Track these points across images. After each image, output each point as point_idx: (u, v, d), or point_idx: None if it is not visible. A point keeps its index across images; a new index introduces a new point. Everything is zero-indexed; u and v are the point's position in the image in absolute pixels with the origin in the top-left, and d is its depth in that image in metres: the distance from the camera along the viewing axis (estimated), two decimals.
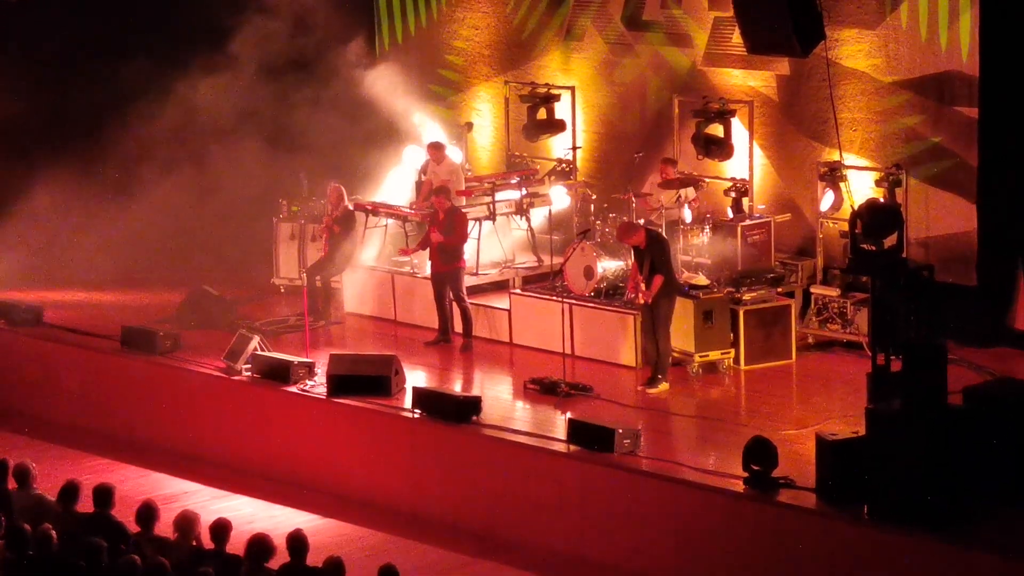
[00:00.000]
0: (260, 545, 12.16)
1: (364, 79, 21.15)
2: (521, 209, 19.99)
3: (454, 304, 18.71)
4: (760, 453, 14.38)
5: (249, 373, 17.73)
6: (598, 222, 19.04)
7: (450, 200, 18.75)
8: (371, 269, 20.05)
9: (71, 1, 21.53)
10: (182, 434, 17.96)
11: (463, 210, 19.12)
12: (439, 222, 18.57)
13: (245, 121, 20.83)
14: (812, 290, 18.12)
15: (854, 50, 18.41)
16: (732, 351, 17.57)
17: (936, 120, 17.97)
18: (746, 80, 19.37)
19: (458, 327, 18.79)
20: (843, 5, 18.36)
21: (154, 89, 20.91)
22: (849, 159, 18.11)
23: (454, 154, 20.56)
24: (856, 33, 18.38)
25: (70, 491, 13.19)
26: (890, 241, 15.18)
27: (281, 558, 12.23)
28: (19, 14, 21.26)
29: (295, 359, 17.55)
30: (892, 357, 14.66)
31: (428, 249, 18.71)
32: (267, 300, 20.19)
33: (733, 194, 18.72)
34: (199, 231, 21.03)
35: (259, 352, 17.75)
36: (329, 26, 21.01)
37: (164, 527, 12.78)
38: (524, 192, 20.02)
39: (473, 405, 16.32)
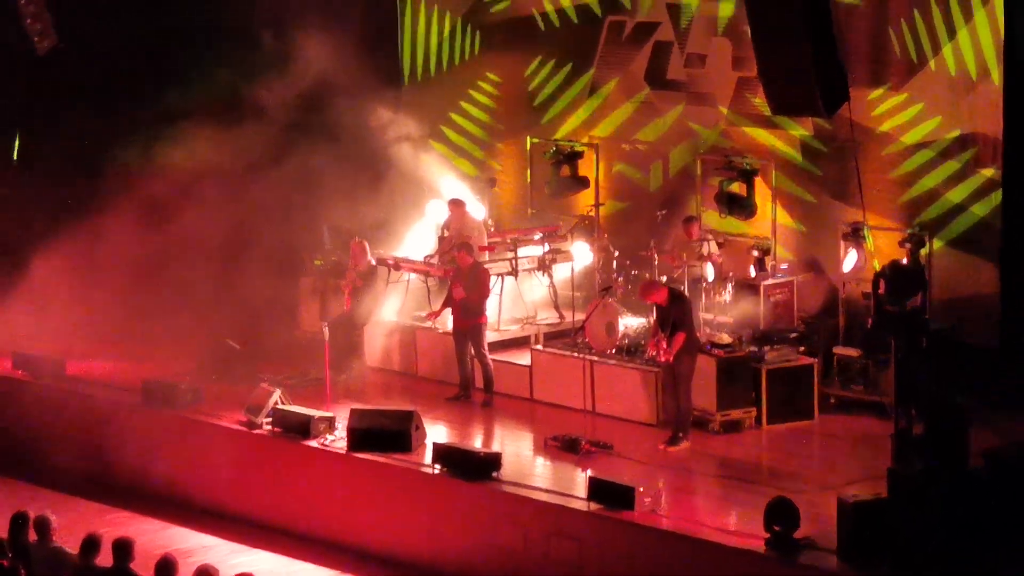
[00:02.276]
0: None
1: (387, 133, 21.25)
2: (543, 265, 20.03)
3: (475, 360, 18.71)
4: (782, 514, 14.32)
5: (270, 427, 17.73)
6: (620, 279, 19.05)
7: (472, 256, 18.78)
8: (393, 323, 20.08)
9: (95, 54, 21.62)
10: (202, 488, 17.95)
11: (485, 266, 19.14)
12: (461, 277, 18.60)
13: (267, 174, 20.90)
14: (835, 350, 18.08)
15: (878, 111, 18.44)
16: (754, 410, 17.52)
17: (959, 182, 17.96)
18: (769, 139, 19.42)
19: (479, 383, 18.78)
20: (868, 66, 18.41)
21: (175, 142, 21.01)
22: (872, 219, 18.11)
23: (476, 210, 20.61)
24: (881, 94, 18.42)
25: (90, 544, 13.16)
26: (913, 302, 15.15)
27: None
28: (46, 67, 21.40)
29: (316, 413, 17.56)
30: (914, 418, 14.60)
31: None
32: (289, 353, 20.20)
33: (756, 253, 18.72)
34: (221, 284, 21.06)
35: (280, 406, 17.76)
36: (352, 80, 21.10)
37: None
38: (547, 248, 20.06)
39: (493, 461, 16.29)
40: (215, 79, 21.27)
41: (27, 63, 21.38)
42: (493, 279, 19.25)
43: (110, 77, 21.65)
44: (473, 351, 18.66)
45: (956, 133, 17.95)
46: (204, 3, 21.05)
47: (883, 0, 18.28)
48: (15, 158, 22.39)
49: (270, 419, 17.73)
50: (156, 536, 17.13)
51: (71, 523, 15.65)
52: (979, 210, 17.83)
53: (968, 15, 17.67)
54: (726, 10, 19.62)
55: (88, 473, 18.76)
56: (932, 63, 18.01)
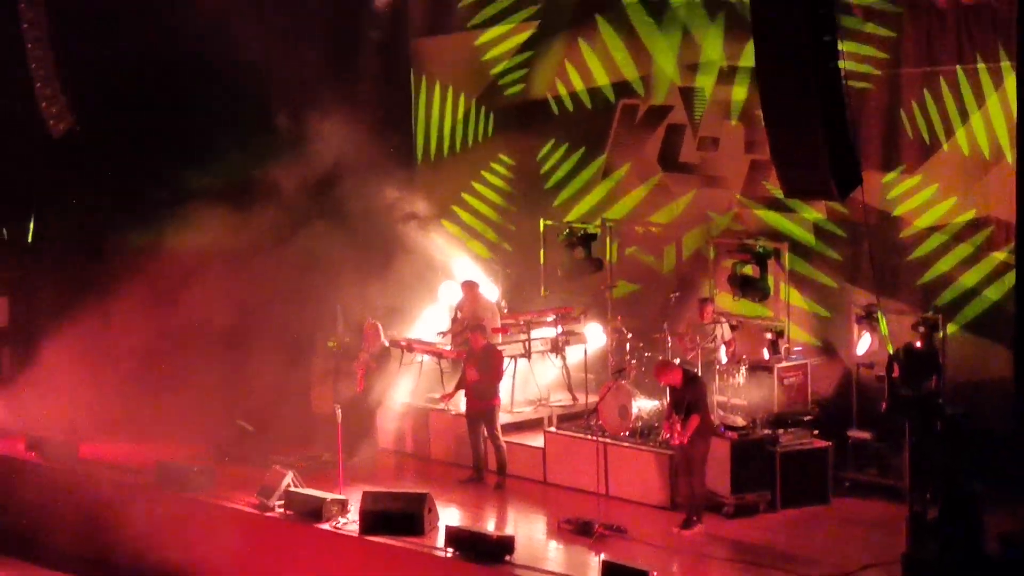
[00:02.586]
0: None
1: (400, 214, 21.33)
2: (557, 347, 20.03)
3: (488, 442, 18.68)
4: None
5: (282, 509, 17.69)
6: (633, 361, 19.03)
7: (485, 337, 18.79)
8: (406, 405, 20.06)
9: (108, 136, 21.70)
10: (214, 571, 17.86)
11: (498, 348, 19.15)
12: (474, 359, 18.59)
13: (280, 256, 20.96)
14: (849, 433, 18.02)
15: (893, 194, 18.48)
16: (768, 494, 17.45)
17: (973, 265, 17.97)
18: (782, 222, 19.46)
19: (492, 465, 18.74)
20: (881, 149, 18.48)
21: (188, 224, 21.09)
22: (886, 303, 18.11)
23: (490, 291, 20.64)
24: (895, 177, 18.47)
25: None
26: (927, 386, 15.13)
27: None
28: (60, 149, 21.53)
29: (328, 496, 17.52)
30: (929, 502, 14.53)
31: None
32: (301, 436, 20.16)
33: (769, 335, 18.70)
34: (233, 366, 21.06)
35: (292, 488, 17.73)
36: (367, 161, 21.19)
37: None
38: (560, 330, 20.07)
39: (507, 545, 16.22)
40: (228, 161, 21.39)
41: (43, 145, 21.51)
42: (506, 361, 19.24)
43: (123, 159, 21.74)
44: (486, 433, 18.63)
45: (970, 216, 17.99)
46: (219, 84, 21.15)
47: (895, 83, 18.38)
48: (29, 240, 22.48)
49: (282, 502, 17.70)
50: None
51: None
52: (993, 294, 17.82)
53: (981, 99, 17.75)
54: (739, 94, 19.72)
55: (99, 556, 18.69)
56: (946, 145, 18.09)
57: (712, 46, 19.94)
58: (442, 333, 20.26)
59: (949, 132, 18.03)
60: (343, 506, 17.42)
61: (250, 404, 20.41)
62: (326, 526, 17.26)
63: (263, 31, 20.56)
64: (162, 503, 18.50)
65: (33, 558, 18.89)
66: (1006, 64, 17.46)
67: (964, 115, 17.90)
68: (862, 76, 18.29)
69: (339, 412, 18.18)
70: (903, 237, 18.48)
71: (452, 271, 21.25)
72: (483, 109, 22.24)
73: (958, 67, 17.85)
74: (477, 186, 22.32)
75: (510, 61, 21.85)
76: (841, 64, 15.53)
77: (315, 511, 17.37)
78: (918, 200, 18.34)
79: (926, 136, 18.20)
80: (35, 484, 19.59)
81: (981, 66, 17.70)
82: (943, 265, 18.18)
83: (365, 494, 17.23)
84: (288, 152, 21.01)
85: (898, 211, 18.49)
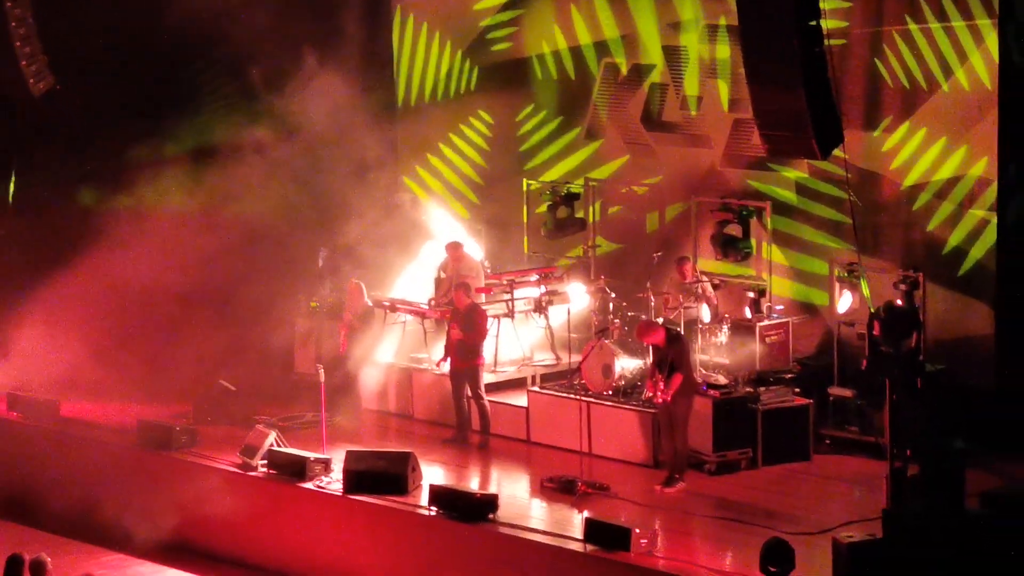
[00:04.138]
0: None
1: (383, 177, 21.31)
2: (540, 307, 20.06)
3: (472, 401, 18.71)
4: (777, 555, 14.29)
5: (265, 469, 17.71)
6: (617, 320, 19.07)
7: (470, 297, 18.81)
8: (389, 365, 20.08)
9: (94, 100, 21.66)
10: (198, 530, 17.91)
11: (482, 307, 19.17)
12: (459, 319, 18.61)
13: (262, 215, 20.93)
14: (830, 391, 18.09)
15: (873, 153, 18.51)
16: (750, 451, 17.52)
17: (953, 224, 18.02)
18: (764, 181, 19.48)
19: (476, 424, 18.78)
20: (862, 109, 18.49)
21: (170, 182, 21.05)
22: (867, 261, 18.15)
23: (473, 251, 20.65)
24: (876, 136, 18.50)
25: None
26: (908, 344, 15.18)
27: None
28: (40, 109, 21.46)
29: (312, 455, 17.55)
30: (910, 459, 14.60)
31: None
32: (284, 395, 20.18)
33: (751, 294, 18.75)
34: (216, 325, 21.04)
35: (275, 448, 17.76)
36: (350, 124, 21.14)
37: None
38: (543, 290, 20.09)
39: (490, 503, 16.27)
40: (208, 120, 21.34)
41: (24, 105, 21.44)
42: (490, 320, 19.26)
43: (103, 119, 21.66)
44: (470, 392, 18.66)
45: (951, 172, 18.02)
46: (197, 39, 21.06)
47: (876, 40, 18.35)
48: (11, 200, 22.42)
49: (265, 461, 17.72)
50: None
51: (66, 565, 15.67)
52: (974, 251, 17.87)
53: (963, 55, 17.73)
54: (722, 52, 19.71)
55: (82, 515, 18.71)
56: (929, 100, 18.05)
57: (694, 4, 19.91)
58: (431, 301, 20.23)
59: (933, 87, 18.02)
60: (326, 465, 17.45)
61: (233, 364, 20.40)
62: (309, 485, 17.29)
63: None
64: (144, 463, 18.52)
65: (15, 517, 18.89)
66: (984, 22, 17.47)
67: (947, 71, 17.90)
68: (842, 33, 18.28)
69: (322, 372, 18.19)
70: (885, 195, 18.52)
71: (434, 232, 21.24)
72: (468, 62, 22.18)
73: (938, 24, 17.85)
74: (455, 138, 22.30)
75: (499, 16, 21.79)
76: (823, 23, 15.55)
77: (298, 470, 17.40)
78: (900, 159, 18.36)
79: (908, 90, 18.20)
80: (17, 443, 19.59)
81: (959, 24, 17.70)
82: (924, 222, 18.23)
83: (348, 453, 17.26)
84: (268, 107, 20.93)
85: (879, 169, 18.52)
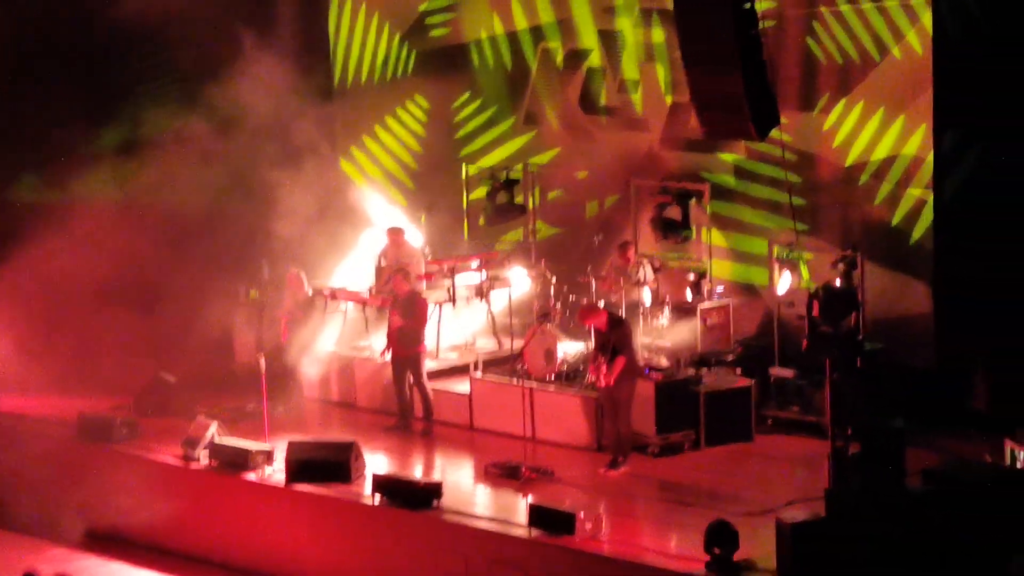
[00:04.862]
0: None
1: (321, 162, 21.21)
2: (481, 292, 20.04)
3: (414, 388, 18.68)
4: (722, 536, 14.36)
5: (207, 460, 17.63)
6: (558, 305, 19.08)
7: (409, 283, 18.77)
8: (331, 354, 20.02)
9: (19, 92, 21.43)
10: (140, 523, 17.81)
11: (423, 294, 19.13)
12: (399, 306, 18.57)
13: (203, 208, 20.81)
14: (771, 371, 18.17)
15: (811, 133, 18.58)
16: (693, 433, 17.58)
17: (892, 203, 18.12)
18: (703, 163, 19.52)
19: (418, 411, 18.76)
20: (798, 90, 18.56)
21: (101, 173, 20.89)
22: (806, 241, 18.23)
23: (414, 238, 20.61)
24: (814, 116, 18.56)
25: None
26: (847, 323, 15.27)
27: None
28: None
29: (254, 446, 17.48)
30: (851, 438, 14.69)
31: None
32: (225, 386, 20.08)
33: (691, 276, 18.80)
34: (156, 317, 20.92)
35: (217, 439, 17.68)
36: (286, 108, 21.01)
37: None
38: (484, 276, 20.07)
39: (434, 490, 16.26)
40: (140, 112, 21.18)
41: None
42: (431, 307, 19.23)
43: (35, 112, 21.44)
44: (412, 380, 18.63)
45: (887, 153, 18.11)
46: (128, 32, 20.89)
47: (809, 21, 18.39)
48: None
49: (207, 452, 17.64)
50: (96, 573, 17.01)
51: (9, 559, 15.56)
52: (912, 230, 17.98)
53: (898, 35, 17.82)
54: (658, 36, 19.73)
55: (23, 509, 18.58)
56: (866, 78, 18.14)
57: None
58: (371, 289, 20.17)
59: (868, 64, 18.09)
60: (269, 456, 17.39)
61: (173, 355, 20.29)
62: (252, 476, 17.24)
63: None
64: (85, 456, 18.40)
65: None
66: (918, 1, 17.57)
67: (882, 49, 17.97)
68: (775, 14, 18.33)
69: (263, 362, 18.12)
70: (823, 175, 18.60)
71: (373, 218, 21.18)
72: (406, 47, 22.10)
73: (871, 4, 17.93)
74: (391, 122, 22.23)
75: (436, 1, 21.72)
76: (756, 5, 15.60)
77: (241, 461, 17.34)
78: (839, 138, 18.42)
79: (843, 68, 18.27)
80: None
81: (893, 4, 17.79)
82: (863, 202, 18.32)
83: (291, 443, 17.20)
84: (201, 96, 20.78)
85: (818, 149, 18.59)
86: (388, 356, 18.80)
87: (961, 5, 17.23)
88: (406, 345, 18.52)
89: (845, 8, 18.11)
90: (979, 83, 17.05)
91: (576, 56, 20.62)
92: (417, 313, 18.55)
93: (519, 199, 20.61)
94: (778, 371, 18.11)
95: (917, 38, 17.65)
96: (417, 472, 17.60)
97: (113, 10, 20.42)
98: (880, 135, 18.07)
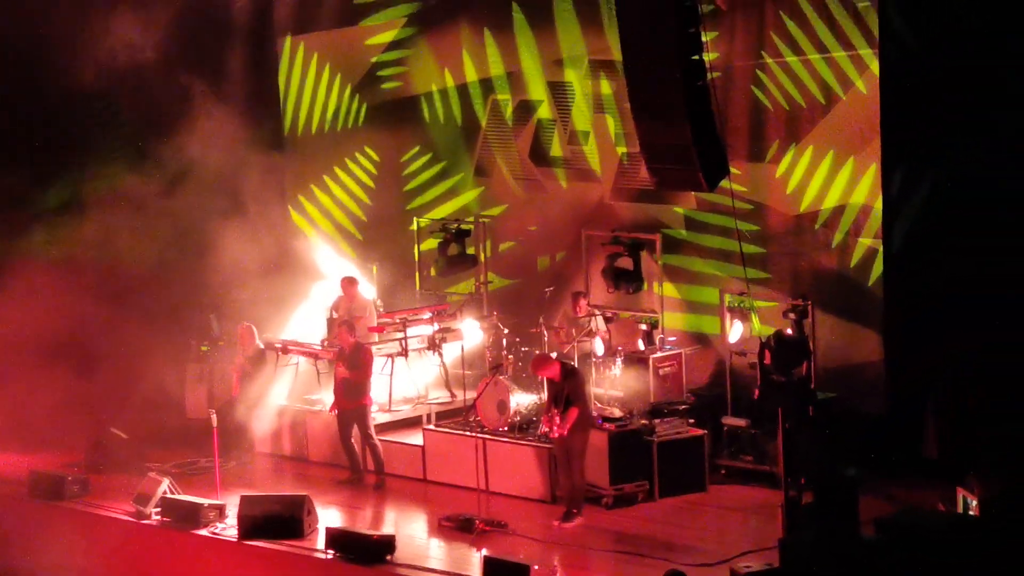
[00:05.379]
0: None
1: (272, 214, 21.18)
2: (433, 344, 20.00)
3: (362, 441, 18.60)
4: None
5: (159, 517, 17.51)
6: (511, 356, 19.06)
7: (354, 335, 18.70)
8: (282, 408, 19.94)
9: None
10: None
11: (375, 346, 19.07)
12: (344, 358, 18.51)
13: (150, 262, 20.72)
14: (724, 421, 18.18)
15: (762, 183, 18.66)
16: (646, 484, 17.56)
17: (844, 252, 18.20)
18: (654, 214, 19.58)
19: (370, 464, 18.68)
20: (748, 139, 18.65)
21: (55, 230, 20.78)
22: (757, 291, 18.29)
23: (366, 290, 20.58)
24: (763, 166, 18.65)
25: None
26: (799, 372, 15.31)
27: None
28: None
29: (205, 501, 17.37)
30: (804, 487, 14.70)
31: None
32: (177, 441, 19.95)
33: (644, 326, 18.83)
34: (106, 372, 20.77)
35: (169, 495, 17.56)
36: (235, 159, 20.98)
37: None
38: (436, 327, 20.05)
39: (387, 545, 16.18)
40: (88, 169, 21.09)
41: None
42: (383, 360, 19.17)
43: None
44: (360, 433, 18.55)
45: (835, 203, 18.20)
46: (77, 93, 20.85)
47: (757, 72, 18.51)
48: None
49: (159, 509, 17.52)
50: None
51: None
52: (864, 279, 18.05)
53: (847, 84, 17.93)
54: (607, 88, 19.81)
55: None
56: (814, 127, 18.23)
57: (577, 41, 20.00)
58: (323, 341, 20.09)
59: (816, 113, 18.20)
60: (221, 511, 17.28)
61: (124, 411, 20.15)
62: (204, 532, 17.12)
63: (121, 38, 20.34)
64: (36, 513, 18.22)
65: None
66: (866, 51, 17.71)
67: (831, 98, 18.09)
68: (723, 66, 18.44)
69: (214, 417, 18.02)
70: (774, 225, 18.67)
71: (324, 271, 21.15)
72: (357, 98, 22.11)
73: (818, 56, 18.06)
74: (340, 173, 22.24)
75: (388, 54, 21.78)
76: (705, 56, 15.69)
77: (192, 517, 17.22)
78: (790, 187, 18.50)
79: (792, 116, 18.36)
80: None
81: (840, 54, 17.93)
82: (813, 252, 18.39)
83: (243, 498, 17.10)
84: (149, 150, 20.72)
85: (767, 199, 18.68)
86: (336, 411, 18.72)
87: (902, 43, 17.37)
88: (352, 397, 18.46)
89: (792, 60, 18.24)
90: (925, 117, 17.17)
91: (526, 108, 20.69)
92: (362, 365, 18.49)
93: (471, 250, 20.62)
94: (731, 420, 18.13)
95: (865, 86, 17.78)
96: (370, 526, 17.49)
97: (62, 67, 20.38)
98: (830, 180, 18.16)
